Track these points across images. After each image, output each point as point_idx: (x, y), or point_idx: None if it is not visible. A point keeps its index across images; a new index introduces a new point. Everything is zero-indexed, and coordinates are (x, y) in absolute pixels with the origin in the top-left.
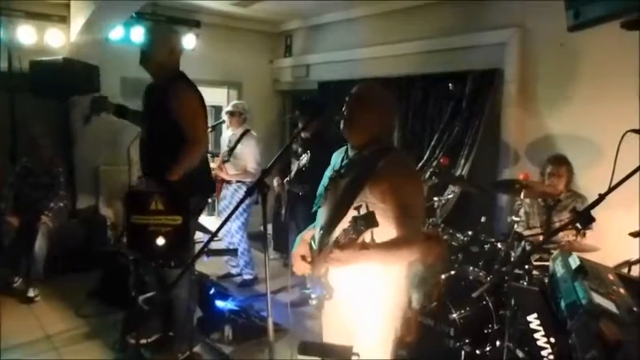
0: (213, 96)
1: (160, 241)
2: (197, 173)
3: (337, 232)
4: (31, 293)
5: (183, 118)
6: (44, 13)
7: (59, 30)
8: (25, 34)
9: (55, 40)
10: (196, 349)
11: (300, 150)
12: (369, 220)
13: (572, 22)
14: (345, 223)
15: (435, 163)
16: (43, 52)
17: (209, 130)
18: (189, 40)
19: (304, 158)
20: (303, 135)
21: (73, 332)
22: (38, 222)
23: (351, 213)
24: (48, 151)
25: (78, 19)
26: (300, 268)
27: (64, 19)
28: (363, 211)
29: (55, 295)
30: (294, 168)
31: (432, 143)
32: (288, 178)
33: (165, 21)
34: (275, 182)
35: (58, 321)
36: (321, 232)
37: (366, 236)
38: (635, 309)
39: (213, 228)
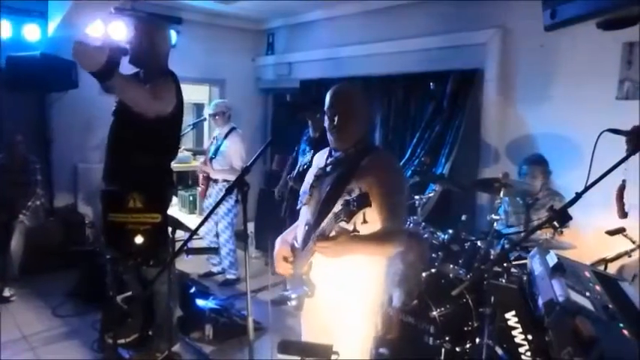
0: (195, 93)
1: (139, 239)
2: (166, 167)
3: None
4: (6, 293)
5: (152, 89)
6: (22, 8)
7: (37, 25)
8: (2, 28)
9: (32, 35)
10: (176, 348)
11: (307, 149)
12: (362, 201)
13: (549, 22)
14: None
15: (416, 162)
16: (21, 47)
17: (189, 127)
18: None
19: (307, 156)
20: (311, 134)
21: (50, 332)
22: (15, 220)
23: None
24: (21, 148)
25: (56, 14)
26: (283, 268)
27: (42, 14)
28: (355, 194)
29: (32, 294)
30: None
31: (414, 142)
32: (291, 176)
33: (147, 17)
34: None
35: (34, 321)
36: (307, 227)
37: (358, 219)
38: (610, 306)
39: (194, 226)
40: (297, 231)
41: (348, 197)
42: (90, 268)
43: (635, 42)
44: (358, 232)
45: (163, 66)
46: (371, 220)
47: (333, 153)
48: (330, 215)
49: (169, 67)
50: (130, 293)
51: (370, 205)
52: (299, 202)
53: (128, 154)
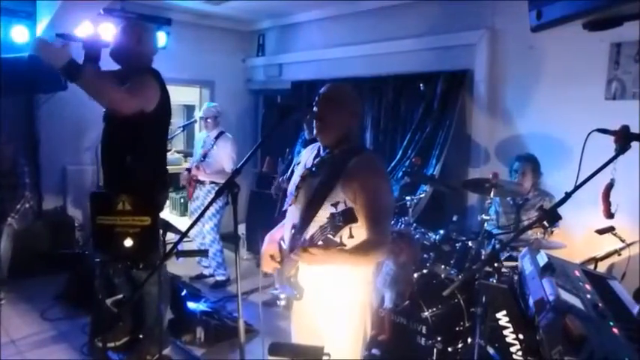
0: (186, 95)
1: (128, 242)
2: (159, 168)
3: (309, 230)
4: None
5: (133, 83)
6: (9, 9)
7: (25, 26)
8: None
9: (20, 37)
10: (166, 351)
11: (302, 150)
12: (347, 216)
13: (535, 23)
14: (316, 221)
15: (407, 163)
16: (8, 48)
17: (180, 129)
18: (160, 38)
19: (300, 157)
20: (307, 136)
21: (38, 336)
22: (3, 224)
23: (323, 211)
24: (9, 150)
25: (44, 15)
26: (269, 266)
27: (30, 15)
28: (341, 207)
29: (21, 298)
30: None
31: (405, 143)
32: (284, 176)
33: (135, 18)
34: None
35: (23, 325)
36: (293, 230)
37: (344, 233)
38: (600, 305)
39: (185, 229)
40: (284, 231)
41: (334, 211)
42: (79, 271)
43: (622, 42)
44: (345, 245)
45: (145, 65)
46: (358, 225)
47: (320, 152)
48: (317, 229)
49: (156, 68)
50: (119, 296)
51: (357, 221)
52: (285, 202)
53: (118, 158)
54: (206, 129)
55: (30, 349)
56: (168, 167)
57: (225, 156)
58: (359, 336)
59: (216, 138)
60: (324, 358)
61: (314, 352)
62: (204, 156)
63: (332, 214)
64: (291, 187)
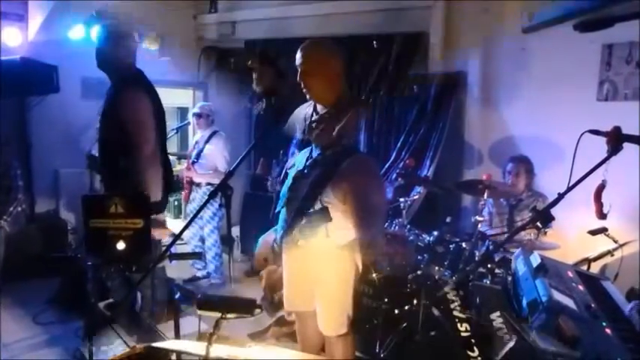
0: (180, 97)
1: (120, 245)
2: (156, 173)
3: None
4: None
5: (129, 125)
6: (1, 11)
7: (17, 29)
8: None
9: (12, 39)
10: None
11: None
12: (322, 216)
13: (526, 24)
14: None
15: (401, 165)
16: (0, 51)
17: (173, 132)
18: None
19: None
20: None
21: (31, 340)
22: None
23: None
24: (2, 153)
25: (36, 18)
26: (261, 268)
27: (21, 18)
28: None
29: (13, 302)
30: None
31: (398, 145)
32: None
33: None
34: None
35: (15, 329)
36: (282, 231)
37: (321, 232)
38: (593, 305)
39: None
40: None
41: (309, 212)
42: (71, 275)
43: (614, 44)
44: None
45: (130, 68)
46: (346, 226)
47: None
48: (296, 229)
49: (139, 70)
50: (113, 300)
51: (330, 220)
52: (278, 204)
53: (114, 158)
54: (199, 128)
55: (23, 353)
56: None
57: (217, 154)
58: (349, 276)
59: (209, 137)
60: (257, 310)
61: (246, 305)
62: (198, 156)
63: (306, 215)
64: (283, 190)
